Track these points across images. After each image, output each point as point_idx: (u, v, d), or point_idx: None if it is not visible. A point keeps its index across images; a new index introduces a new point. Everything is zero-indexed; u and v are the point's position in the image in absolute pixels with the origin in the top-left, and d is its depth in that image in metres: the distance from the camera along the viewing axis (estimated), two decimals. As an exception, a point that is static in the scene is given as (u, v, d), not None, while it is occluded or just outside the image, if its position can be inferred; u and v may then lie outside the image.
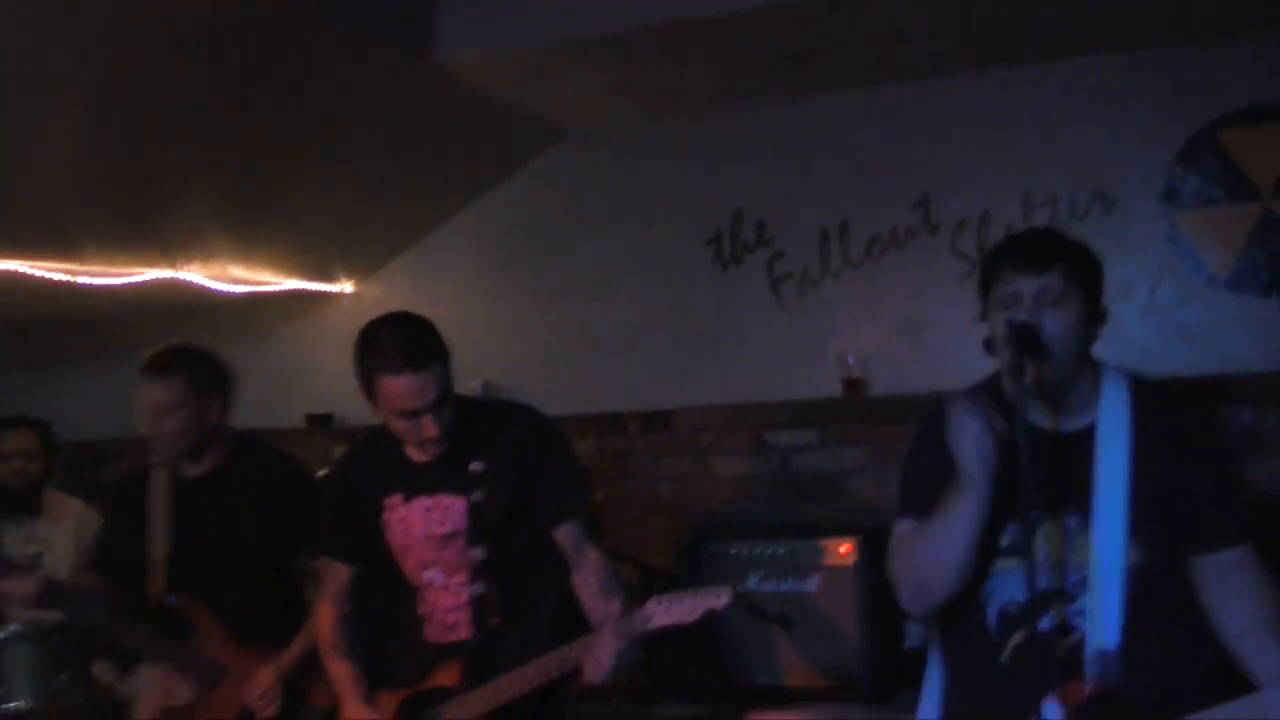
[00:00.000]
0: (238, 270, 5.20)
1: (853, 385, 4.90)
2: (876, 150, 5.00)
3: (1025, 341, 2.45)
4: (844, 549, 4.17)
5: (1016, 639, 2.58)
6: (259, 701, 3.67)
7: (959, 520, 2.50)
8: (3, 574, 3.69)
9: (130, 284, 4.79)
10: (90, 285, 4.70)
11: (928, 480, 2.62)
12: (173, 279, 4.92)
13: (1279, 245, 4.51)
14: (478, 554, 3.23)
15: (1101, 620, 2.49)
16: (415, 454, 3.26)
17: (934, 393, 4.74)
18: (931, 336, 4.92)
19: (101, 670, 4.69)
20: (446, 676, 3.24)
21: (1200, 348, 4.59)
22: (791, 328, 5.12)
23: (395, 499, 3.30)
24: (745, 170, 5.19)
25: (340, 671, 3.39)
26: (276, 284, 5.48)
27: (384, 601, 3.44)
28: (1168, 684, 2.50)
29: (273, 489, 3.82)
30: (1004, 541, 2.58)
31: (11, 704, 4.24)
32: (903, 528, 2.68)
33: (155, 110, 3.93)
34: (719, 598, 2.97)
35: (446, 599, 3.29)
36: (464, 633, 3.26)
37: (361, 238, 5.59)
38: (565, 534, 3.26)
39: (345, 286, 5.85)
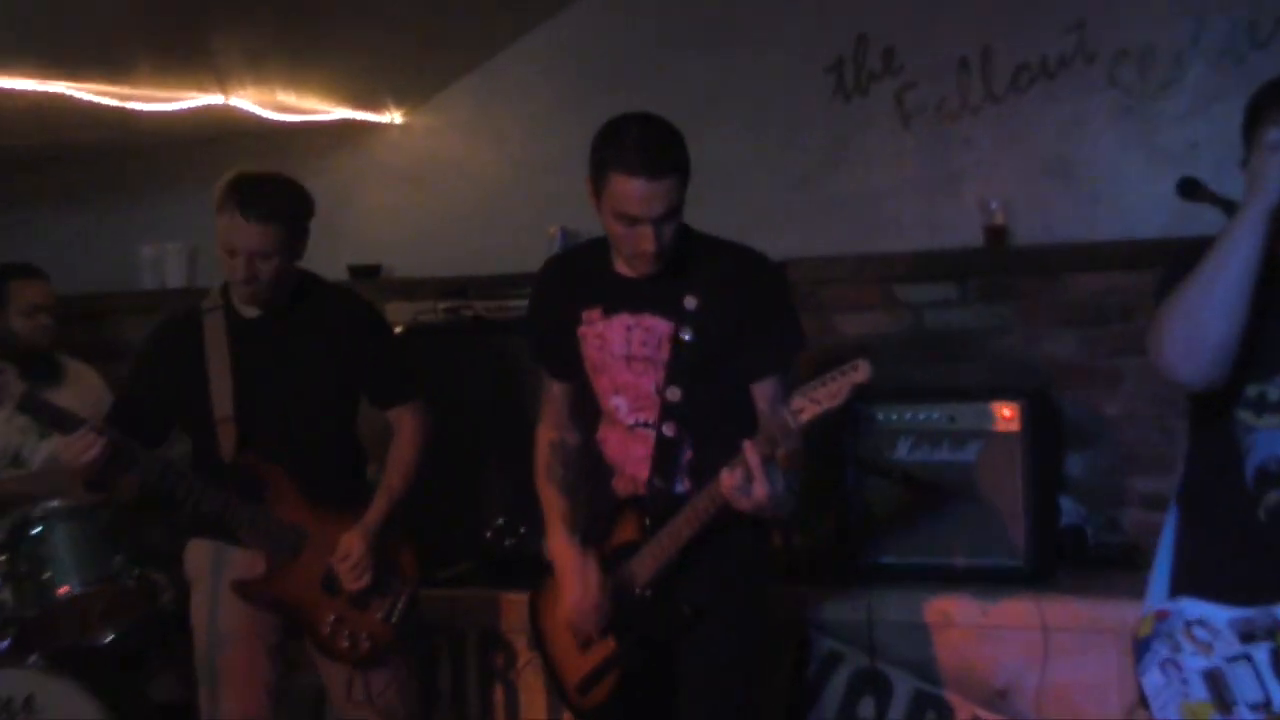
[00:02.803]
0: (287, 97, 5.48)
1: (995, 233, 5.22)
2: (1025, -36, 5.27)
3: None
4: (1008, 413, 4.51)
5: (1274, 498, 2.91)
6: (350, 573, 4.04)
7: (1243, 232, 2.75)
8: (66, 428, 3.93)
9: (182, 110, 5.08)
10: (142, 111, 4.98)
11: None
12: (223, 106, 5.21)
13: None
14: (675, 394, 3.58)
15: None
16: (624, 268, 3.62)
17: (1087, 243, 5.14)
18: (1084, 180, 5.24)
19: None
20: (627, 530, 3.65)
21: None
22: (924, 168, 5.42)
23: (594, 313, 3.66)
24: (872, -14, 5.47)
25: (550, 501, 3.79)
26: (325, 112, 5.76)
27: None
28: None
29: (345, 331, 4.17)
30: (1273, 394, 2.89)
31: (60, 590, 4.50)
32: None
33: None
34: (858, 370, 3.30)
35: (634, 448, 3.66)
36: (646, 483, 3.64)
37: (415, 60, 5.82)
38: (763, 390, 3.60)
39: (395, 116, 6.11)
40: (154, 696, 5.11)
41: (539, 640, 3.90)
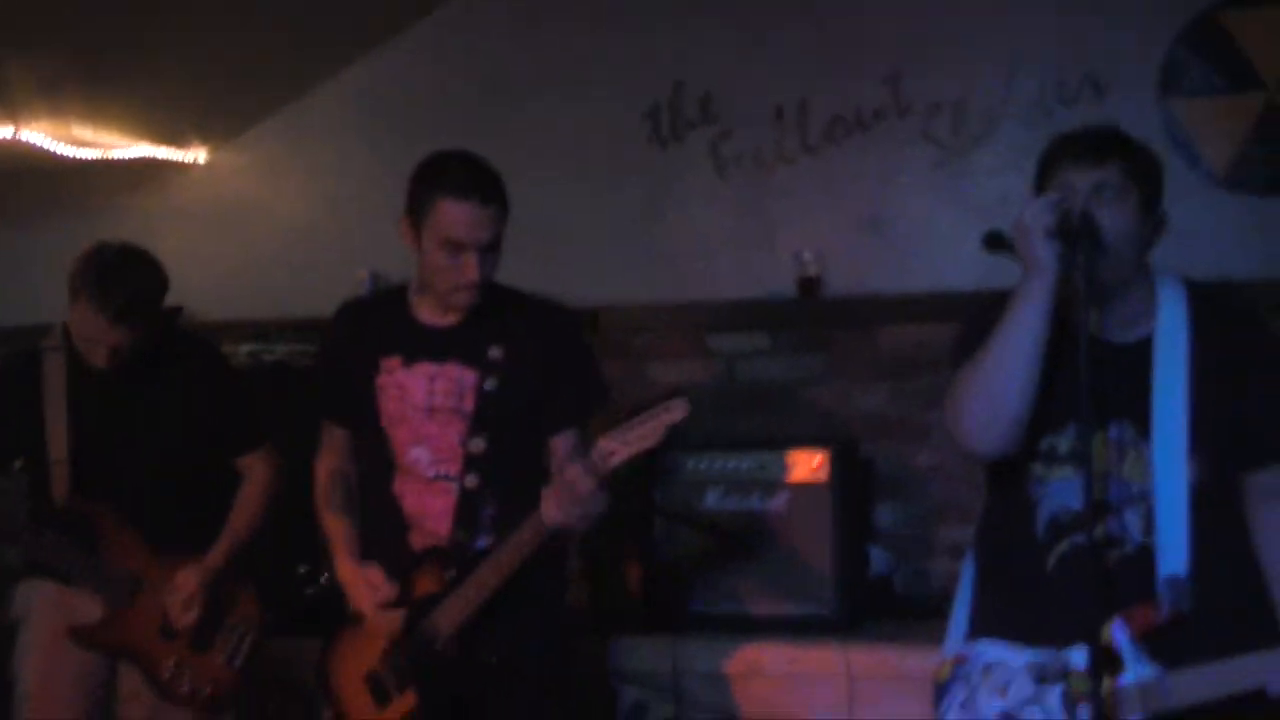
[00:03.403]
0: (84, 131, 5.42)
1: (808, 284, 5.36)
2: (842, 17, 5.43)
3: (1079, 229, 2.79)
4: (815, 462, 4.65)
5: (1063, 547, 3.02)
6: (178, 607, 4.06)
7: (1028, 312, 2.85)
8: None
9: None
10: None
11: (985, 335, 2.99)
12: (12, 140, 5.13)
13: (1282, 142, 5.09)
14: (479, 445, 3.59)
15: (1169, 543, 2.91)
16: (427, 315, 3.64)
17: (899, 295, 5.28)
18: (897, 232, 5.41)
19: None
20: (426, 583, 3.59)
21: (1193, 250, 5.13)
22: (739, 218, 5.55)
23: (394, 361, 3.65)
24: (690, 34, 5.59)
25: (334, 528, 3.75)
26: (124, 148, 5.70)
27: (372, 493, 3.75)
28: (1236, 610, 2.95)
29: (189, 376, 4.19)
30: (1063, 447, 3.01)
31: None
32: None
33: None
34: (674, 410, 3.30)
35: (434, 502, 3.62)
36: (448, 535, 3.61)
37: (221, 96, 5.79)
38: (561, 442, 3.65)
39: (199, 155, 6.08)
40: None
41: (331, 699, 3.78)
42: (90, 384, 4.08)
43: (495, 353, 3.60)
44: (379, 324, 3.73)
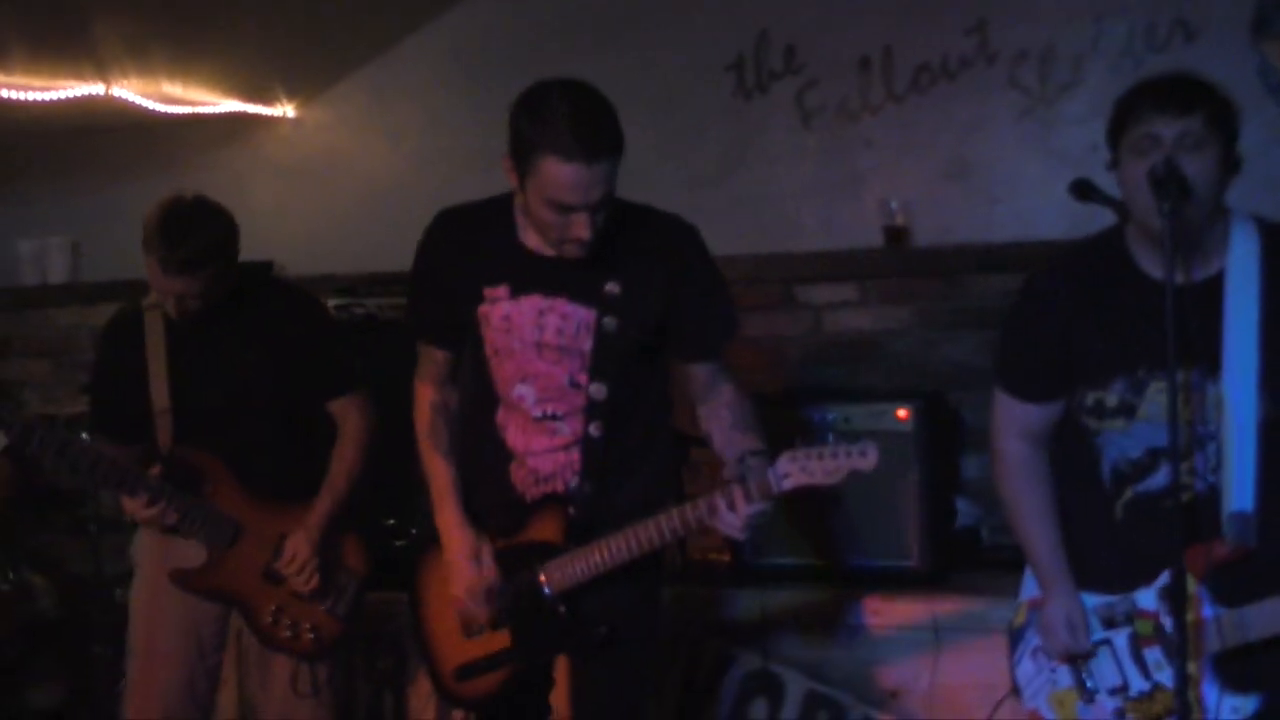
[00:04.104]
0: (173, 87, 5.47)
1: (895, 234, 5.34)
2: (928, -36, 5.38)
3: (1166, 177, 2.79)
4: (902, 414, 4.63)
5: (1127, 496, 3.08)
6: (296, 577, 4.12)
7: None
8: None
9: (61, 100, 5.05)
10: (15, 100, 4.95)
11: (1026, 356, 3.18)
12: (105, 96, 5.18)
13: (1383, 85, 5.00)
14: (600, 391, 3.38)
15: (1236, 480, 2.94)
16: (535, 241, 3.34)
17: (985, 244, 5.25)
18: (984, 181, 5.37)
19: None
20: (546, 530, 3.45)
21: (1286, 198, 5.09)
22: (825, 169, 5.53)
23: (500, 290, 3.38)
24: (773, -17, 5.55)
25: (438, 472, 3.57)
26: (213, 104, 5.75)
27: (474, 418, 3.59)
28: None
29: (280, 323, 4.22)
30: (1111, 400, 3.05)
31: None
32: (1001, 401, 3.25)
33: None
34: (865, 456, 3.15)
35: (539, 440, 3.44)
36: (560, 484, 3.44)
37: (307, 52, 5.83)
38: (700, 371, 3.46)
39: (286, 110, 6.14)
40: (34, 704, 5.09)
41: (417, 611, 3.70)
42: (186, 336, 4.14)
43: (612, 287, 3.33)
44: (482, 244, 3.42)
